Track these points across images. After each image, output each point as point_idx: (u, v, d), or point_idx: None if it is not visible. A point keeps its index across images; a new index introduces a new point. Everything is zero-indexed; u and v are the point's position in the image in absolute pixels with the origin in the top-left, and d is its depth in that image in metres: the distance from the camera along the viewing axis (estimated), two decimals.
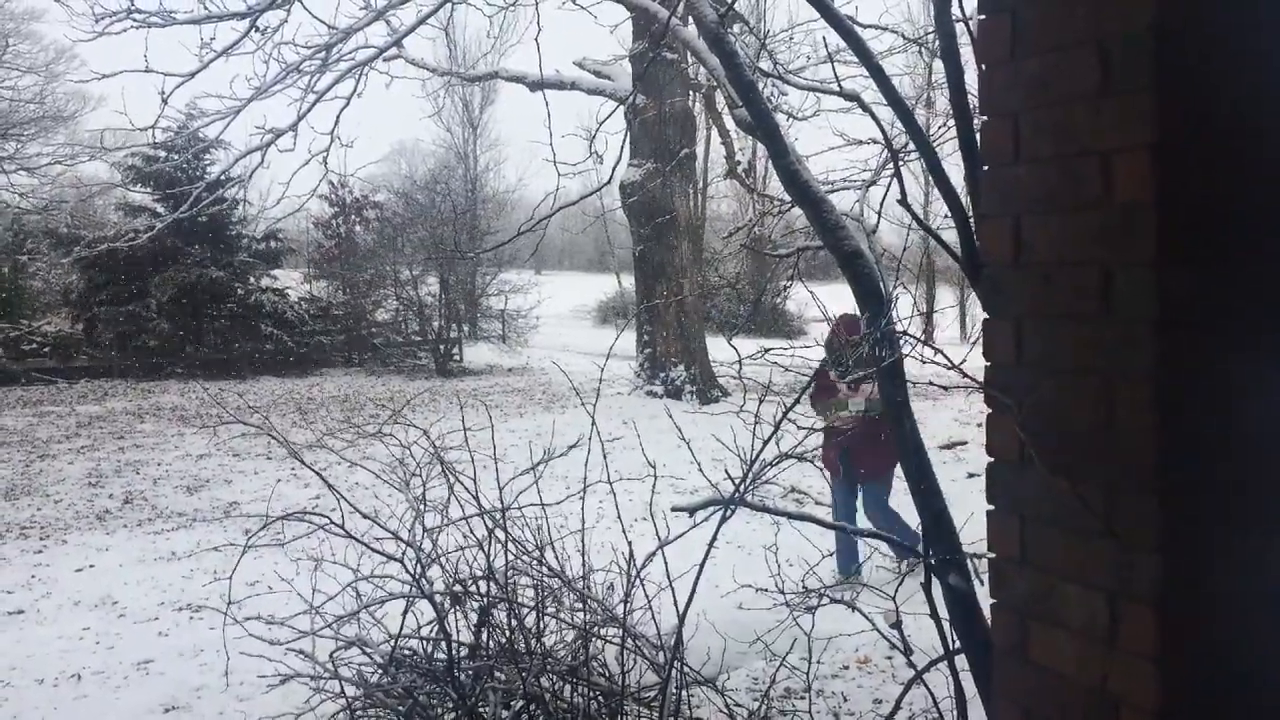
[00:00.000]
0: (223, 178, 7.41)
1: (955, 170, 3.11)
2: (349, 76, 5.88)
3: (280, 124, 6.34)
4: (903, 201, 2.95)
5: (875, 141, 5.09)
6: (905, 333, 2.66)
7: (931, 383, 2.42)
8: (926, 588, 2.91)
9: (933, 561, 2.82)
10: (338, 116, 6.13)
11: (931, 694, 3.20)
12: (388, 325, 25.11)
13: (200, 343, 22.31)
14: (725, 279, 16.97)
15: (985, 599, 2.36)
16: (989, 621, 2.21)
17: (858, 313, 2.99)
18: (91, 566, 7.94)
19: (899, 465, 4.32)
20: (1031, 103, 1.85)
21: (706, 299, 22.98)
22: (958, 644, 3.00)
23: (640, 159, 16.69)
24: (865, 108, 3.44)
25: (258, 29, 5.39)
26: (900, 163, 3.32)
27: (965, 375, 2.37)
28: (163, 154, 21.23)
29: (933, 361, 2.49)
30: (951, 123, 3.50)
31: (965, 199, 2.79)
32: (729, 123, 14.94)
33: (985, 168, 1.99)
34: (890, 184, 3.79)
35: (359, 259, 24.89)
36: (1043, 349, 1.83)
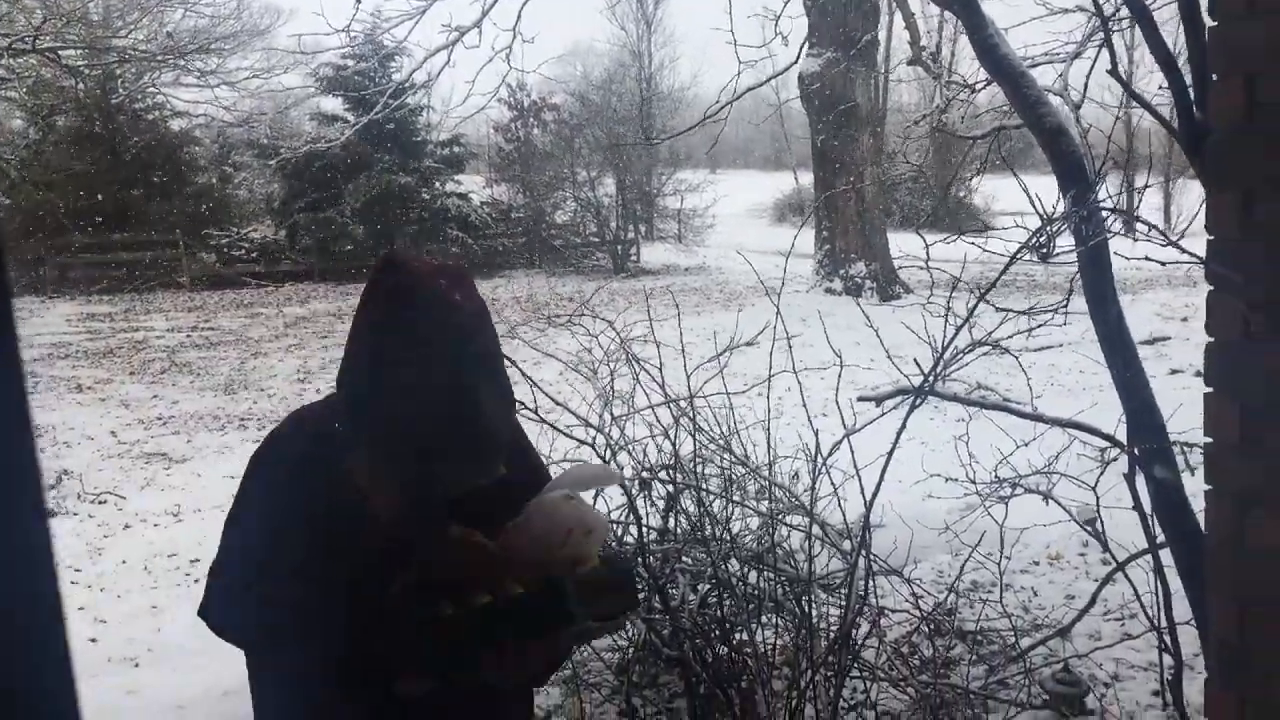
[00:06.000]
0: (411, 79, 7.60)
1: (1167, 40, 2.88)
2: None
3: (462, 24, 6.44)
4: (1113, 72, 2.76)
5: (1081, 10, 4.75)
6: (1115, 210, 2.51)
7: (1147, 257, 2.28)
8: (1130, 479, 2.79)
9: (1137, 452, 2.70)
10: (520, 11, 6.17)
11: (1134, 587, 3.10)
12: (566, 227, 25.53)
13: (391, 247, 23.25)
14: (910, 163, 16.33)
15: (1193, 490, 2.25)
16: (1198, 514, 2.12)
17: None
18: None
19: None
20: None
21: (888, 193, 22.30)
22: (1162, 537, 2.89)
23: (819, 48, 16.16)
24: None
25: None
26: (1112, 30, 3.09)
27: (1183, 250, 2.22)
28: (351, 62, 21.96)
29: (1145, 239, 2.35)
30: None
31: (1183, 67, 2.58)
32: (914, 4, 14.27)
33: (1212, 24, 1.84)
34: (1097, 56, 3.54)
35: (537, 162, 25.28)
36: (1273, 219, 1.70)
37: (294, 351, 13.93)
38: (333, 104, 23.67)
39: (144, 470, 8.28)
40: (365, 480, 1.71)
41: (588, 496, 2.14)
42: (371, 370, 1.67)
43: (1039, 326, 3.04)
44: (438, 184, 24.10)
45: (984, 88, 6.10)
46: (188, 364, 13.14)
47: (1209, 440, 1.83)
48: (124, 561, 6.20)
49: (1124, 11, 3.20)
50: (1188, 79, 2.54)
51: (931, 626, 3.65)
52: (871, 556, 3.39)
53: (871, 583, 3.42)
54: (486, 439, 1.71)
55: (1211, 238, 1.82)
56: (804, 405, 3.66)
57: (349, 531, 1.66)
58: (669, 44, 40.54)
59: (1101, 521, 3.26)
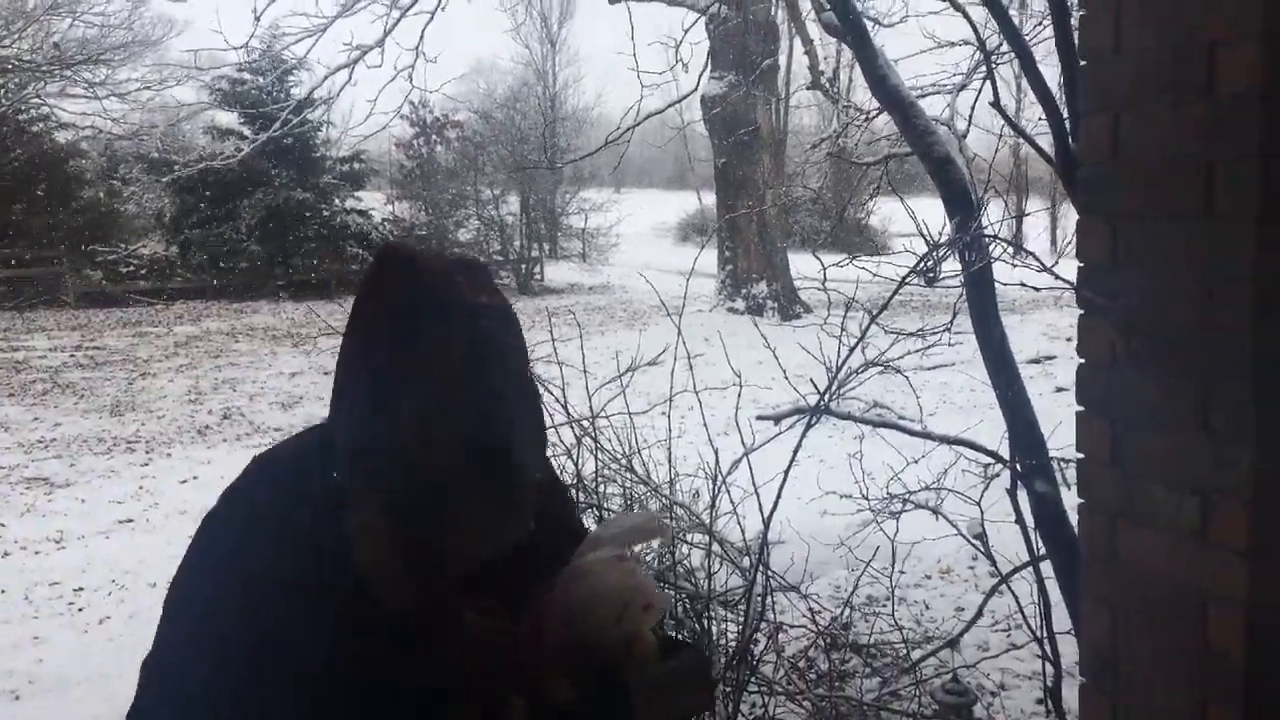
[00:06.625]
0: (312, 96, 7.51)
1: (1050, 74, 3.03)
2: None
3: (364, 43, 6.39)
4: (995, 104, 2.89)
5: (967, 43, 4.94)
6: (996, 237, 2.63)
7: (1023, 283, 2.39)
8: (1012, 494, 2.91)
9: (1019, 468, 2.82)
10: (423, 31, 6.16)
11: (1016, 599, 3.22)
12: (470, 245, 25.37)
13: (288, 264, 22.80)
14: (809, 189, 16.76)
15: (1072, 505, 2.36)
16: (1076, 526, 2.22)
17: None
18: (195, 478, 8.30)
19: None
20: None
21: (789, 214, 22.71)
22: (1043, 550, 3.01)
23: (722, 71, 16.42)
24: (958, 6, 3.35)
25: None
26: (993, 65, 3.24)
27: (1057, 277, 2.34)
28: (248, 76, 21.52)
29: (1024, 265, 2.46)
30: (1046, 23, 3.39)
31: (1061, 100, 2.72)
32: (813, 30, 14.62)
33: (1083, 63, 1.94)
34: (982, 88, 3.70)
35: (440, 179, 25.10)
36: (1138, 248, 1.80)
37: (185, 372, 13.54)
38: (228, 118, 23.15)
39: (24, 496, 7.95)
40: (363, 549, 1.23)
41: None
42: (373, 393, 1.24)
43: (929, 347, 3.15)
44: (337, 200, 23.74)
45: (878, 114, 6.29)
46: (71, 385, 12.66)
47: (1080, 456, 1.92)
48: (3, 591, 5.95)
49: (1006, 46, 3.35)
50: (1067, 111, 2.68)
51: (827, 641, 3.73)
52: (770, 573, 3.46)
53: (770, 599, 3.48)
54: (517, 481, 1.26)
55: (1081, 264, 1.92)
56: (704, 425, 3.71)
57: (347, 625, 1.20)
58: (573, 64, 40.69)
59: (985, 535, 3.38)
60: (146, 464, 8.96)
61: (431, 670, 1.23)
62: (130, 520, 7.33)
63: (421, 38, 6.10)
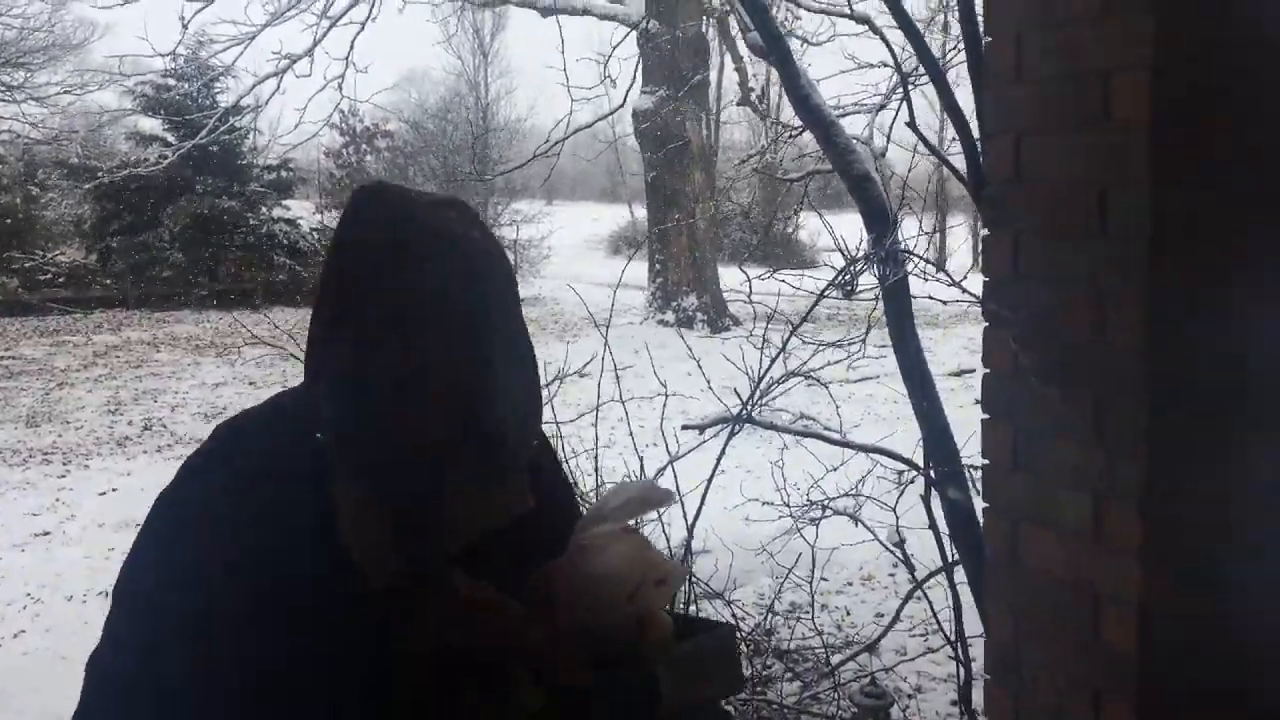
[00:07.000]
0: (239, 104, 7.44)
1: (967, 96, 3.14)
2: (363, 0, 5.88)
3: (293, 52, 6.36)
4: (911, 124, 2.99)
5: (886, 65, 5.09)
6: (909, 251, 2.73)
7: (931, 296, 2.49)
8: (926, 501, 3.00)
9: (933, 475, 2.91)
10: (353, 41, 6.16)
11: (931, 604, 3.32)
12: None
13: (214, 273, 22.39)
14: (738, 204, 16.97)
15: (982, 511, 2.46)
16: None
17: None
18: (114, 490, 8.12)
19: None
20: (1033, 22, 1.89)
21: (718, 228, 22.94)
22: (956, 555, 3.11)
23: (653, 86, 16.56)
24: (876, 30, 3.46)
25: None
26: (910, 86, 3.36)
27: (965, 291, 2.44)
28: (173, 82, 21.13)
29: (935, 279, 2.56)
30: (963, 46, 3.51)
31: (973, 122, 2.83)
32: (742, 48, 14.84)
33: (988, 88, 2.04)
34: (900, 108, 3.83)
35: None
36: (1038, 265, 1.90)
37: (104, 382, 13.23)
38: (151, 124, 22.68)
39: None
40: (348, 528, 1.10)
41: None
42: (355, 358, 1.09)
43: (850, 359, 3.25)
44: (264, 209, 23.36)
45: (803, 131, 6.43)
46: None
47: (986, 462, 2.01)
48: None
49: (922, 70, 3.47)
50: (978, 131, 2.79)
51: (750, 647, 3.80)
52: (694, 580, 3.51)
53: (694, 606, 3.54)
54: (515, 462, 1.17)
55: (987, 278, 2.01)
56: (631, 435, 3.77)
57: (334, 615, 1.07)
58: (506, 75, 40.41)
59: (903, 542, 3.47)
60: (64, 475, 8.75)
61: (419, 650, 1.12)
62: (47, 533, 7.16)
63: (351, 48, 6.12)
